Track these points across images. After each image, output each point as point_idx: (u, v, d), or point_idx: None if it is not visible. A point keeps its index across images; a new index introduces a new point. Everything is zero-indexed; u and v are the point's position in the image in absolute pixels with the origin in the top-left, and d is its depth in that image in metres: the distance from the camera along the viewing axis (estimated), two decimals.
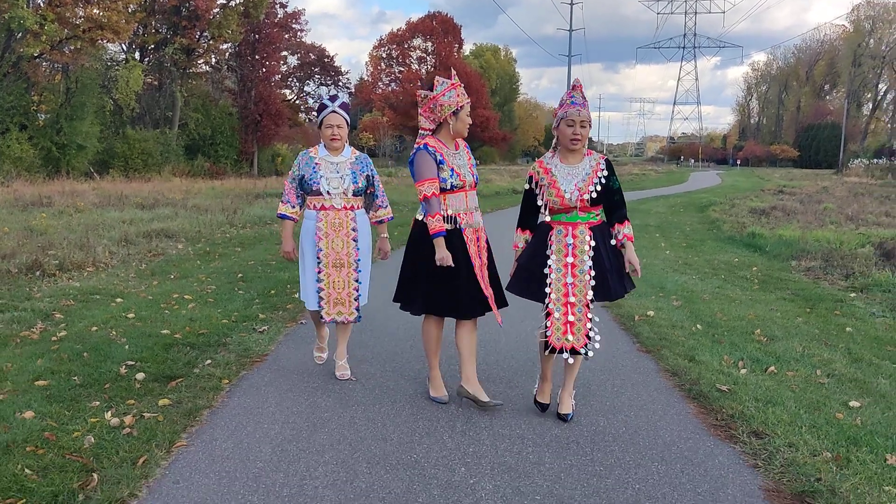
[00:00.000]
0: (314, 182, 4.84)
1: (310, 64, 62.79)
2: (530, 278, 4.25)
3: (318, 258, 4.87)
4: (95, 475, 3.39)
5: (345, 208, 4.89)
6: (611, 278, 4.20)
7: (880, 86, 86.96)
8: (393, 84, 68.70)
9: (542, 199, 4.21)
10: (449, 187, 4.35)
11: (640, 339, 6.32)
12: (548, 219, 4.26)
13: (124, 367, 5.05)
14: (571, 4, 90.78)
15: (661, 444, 4.00)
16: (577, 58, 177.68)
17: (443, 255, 4.26)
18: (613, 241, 4.29)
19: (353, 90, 75.58)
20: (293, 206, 4.94)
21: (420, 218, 4.42)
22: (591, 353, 4.23)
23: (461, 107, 4.39)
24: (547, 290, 4.17)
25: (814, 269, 10.52)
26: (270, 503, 3.24)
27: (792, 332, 6.56)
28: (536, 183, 4.26)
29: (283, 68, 55.73)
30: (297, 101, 63.28)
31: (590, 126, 4.26)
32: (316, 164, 4.87)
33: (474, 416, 4.40)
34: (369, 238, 5.04)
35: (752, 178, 52.26)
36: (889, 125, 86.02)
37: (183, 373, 5.00)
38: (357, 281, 4.92)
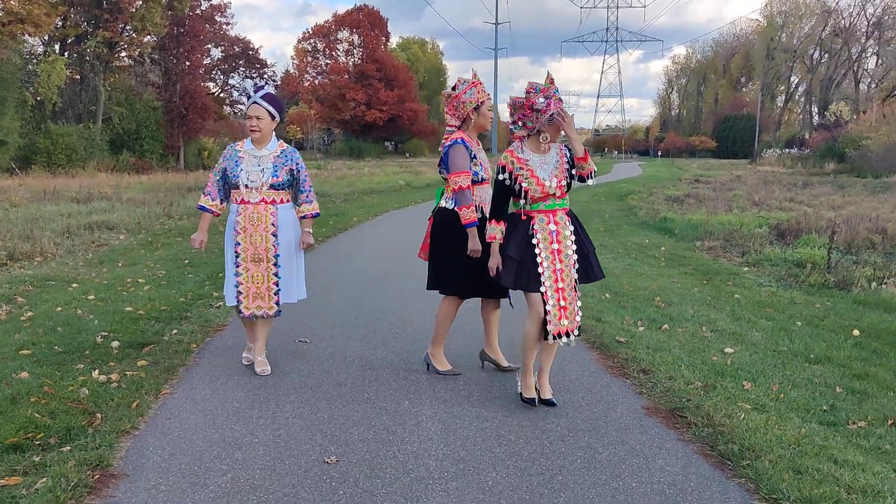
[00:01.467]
0: (235, 175, 4.79)
1: (234, 56, 62.22)
2: (522, 270, 4.28)
3: (237, 252, 4.83)
4: (98, 415, 4.04)
5: (263, 202, 4.81)
6: (592, 260, 4.43)
7: (792, 78, 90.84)
8: (320, 77, 68.66)
9: (522, 189, 4.25)
10: (479, 180, 4.74)
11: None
12: (527, 208, 4.30)
13: (100, 336, 5.65)
14: None
15: (567, 381, 4.87)
16: (503, 51, 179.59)
17: (476, 247, 4.58)
18: None
19: (278, 83, 75.21)
20: (213, 199, 4.91)
21: (449, 207, 4.76)
22: (578, 334, 4.39)
23: (482, 102, 4.80)
24: (542, 279, 4.24)
25: (715, 248, 11.66)
26: (250, 430, 3.95)
27: (687, 299, 7.53)
28: (511, 173, 4.27)
29: (207, 61, 55.20)
30: (221, 95, 62.70)
31: None
32: (239, 157, 4.82)
33: (414, 365, 5.18)
34: (293, 232, 4.94)
35: (671, 169, 54.39)
36: (801, 116, 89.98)
37: (153, 340, 5.63)
38: (276, 276, 4.87)
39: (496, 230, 4.35)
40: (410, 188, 27.70)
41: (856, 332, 6.23)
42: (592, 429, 4.07)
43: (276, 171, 4.81)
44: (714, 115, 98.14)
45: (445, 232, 4.79)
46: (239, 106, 66.24)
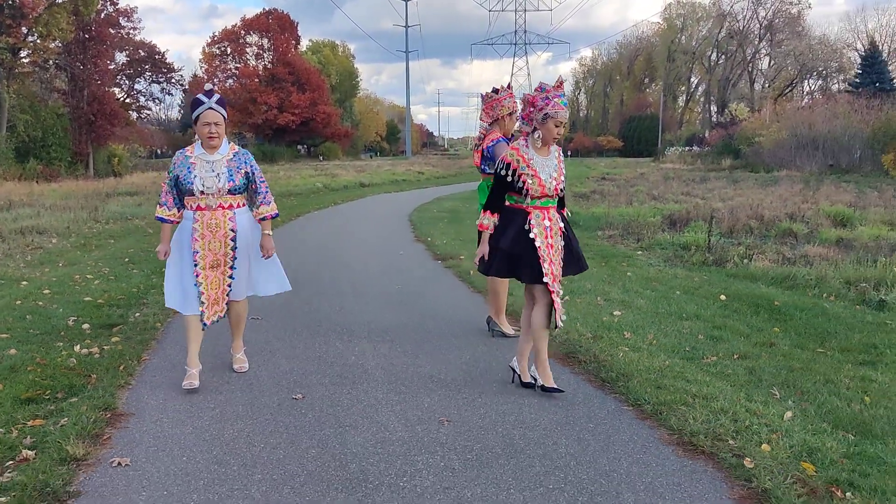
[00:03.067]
0: (189, 182, 4.68)
1: (140, 61, 61.18)
2: (518, 261, 4.51)
3: (195, 260, 4.71)
4: (93, 376, 4.80)
5: (221, 207, 4.73)
6: (579, 253, 4.76)
7: (692, 79, 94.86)
8: (230, 80, 68.06)
9: (524, 186, 4.46)
10: None
11: (473, 285, 8.24)
12: (524, 204, 4.52)
13: (70, 321, 6.33)
14: (406, 1, 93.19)
15: (477, 339, 5.88)
16: (414, 53, 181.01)
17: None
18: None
19: (186, 87, 74.20)
20: (170, 209, 4.79)
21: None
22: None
23: (514, 111, 5.75)
24: (544, 270, 4.45)
25: (614, 236, 12.94)
26: (225, 381, 4.80)
27: (586, 277, 8.61)
28: (515, 170, 4.48)
29: (112, 66, 54.22)
30: (128, 100, 61.56)
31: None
32: (191, 163, 4.71)
33: (355, 329, 6.08)
34: (252, 235, 4.92)
35: (580, 168, 56.44)
36: (701, 115, 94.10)
37: (120, 322, 6.35)
38: (231, 277, 4.83)
39: (490, 221, 4.59)
40: (328, 190, 28.33)
41: (723, 297, 7.44)
42: (505, 367, 5.08)
43: (231, 176, 4.73)
44: (620, 115, 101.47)
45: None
46: (146, 112, 65.31)
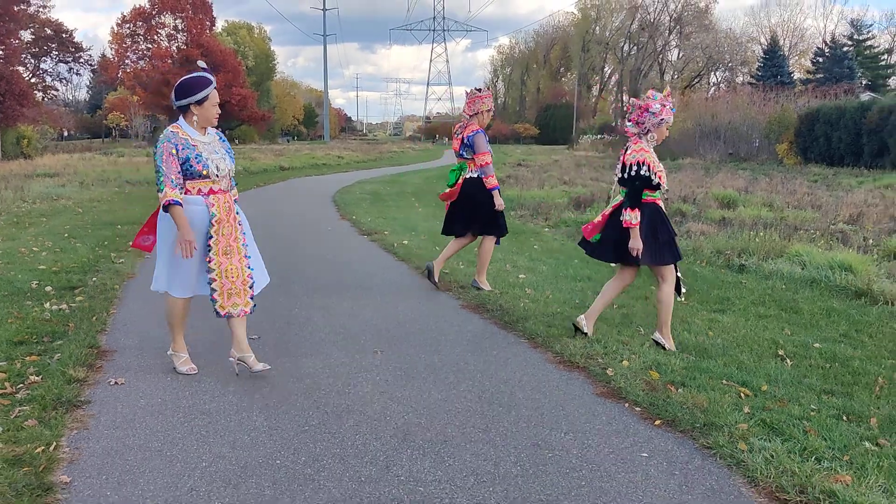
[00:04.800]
0: (203, 165, 4.40)
1: (46, 39, 59.39)
2: (671, 249, 5.17)
3: (209, 245, 4.47)
4: (71, 324, 5.56)
5: (224, 191, 4.58)
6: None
7: (606, 69, 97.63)
8: (142, 62, 66.52)
9: (659, 181, 5.04)
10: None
11: (397, 255, 9.23)
12: (656, 197, 5.14)
13: (33, 284, 6.99)
14: None
15: (412, 295, 6.86)
16: (332, 37, 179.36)
17: (501, 204, 6.83)
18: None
19: (95, 67, 72.19)
20: (182, 190, 4.37)
21: (474, 176, 6.87)
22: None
23: (491, 108, 7.06)
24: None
25: (524, 216, 14.10)
26: (192, 323, 5.63)
27: (498, 250, 9.71)
28: (650, 167, 4.98)
29: (16, 44, 52.50)
30: (33, 80, 59.62)
31: None
32: (192, 144, 4.41)
33: (296, 288, 6.96)
34: (244, 219, 4.83)
35: (497, 154, 57.77)
36: (613, 104, 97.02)
37: (80, 285, 7.06)
38: (249, 268, 4.63)
39: (638, 217, 5.03)
40: (248, 173, 28.66)
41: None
42: (433, 313, 6.09)
43: (232, 157, 4.66)
44: (537, 103, 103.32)
45: (474, 195, 6.89)
46: (53, 92, 63.29)
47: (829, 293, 7.12)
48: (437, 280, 7.20)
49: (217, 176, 4.48)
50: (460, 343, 5.38)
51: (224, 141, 4.69)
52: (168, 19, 66.65)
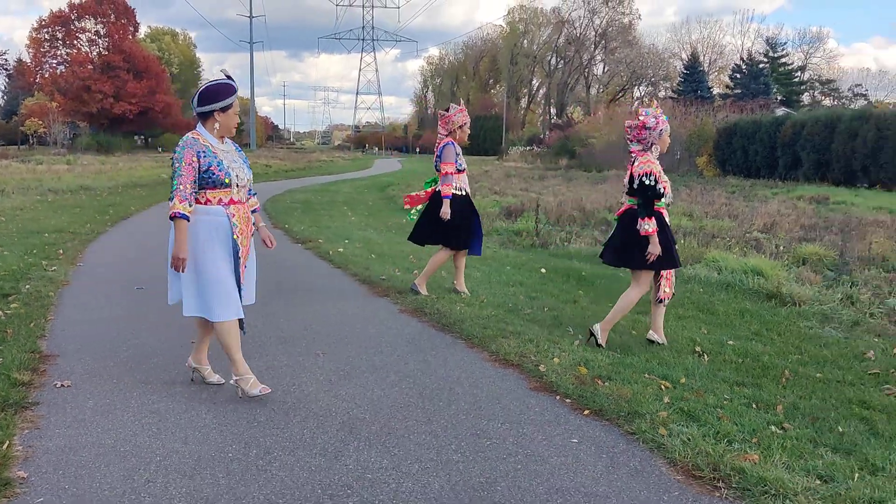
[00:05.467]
0: (226, 173, 4.27)
1: None
2: (669, 251, 5.47)
3: (238, 257, 4.39)
4: (9, 330, 5.56)
5: (245, 201, 4.50)
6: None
7: (534, 82, 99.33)
8: (61, 67, 64.60)
9: (664, 191, 5.38)
10: (461, 169, 7.12)
11: (333, 262, 9.39)
12: (661, 206, 5.47)
13: None
14: None
15: (352, 302, 7.05)
16: (259, 44, 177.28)
17: (446, 212, 6.94)
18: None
19: (11, 72, 69.88)
20: (190, 204, 4.18)
21: (440, 187, 7.03)
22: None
23: (465, 123, 7.19)
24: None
25: None
26: (135, 332, 5.70)
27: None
28: (656, 178, 5.34)
29: None
30: None
31: None
32: (213, 152, 4.27)
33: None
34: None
35: (428, 164, 58.29)
36: (541, 117, 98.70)
37: (13, 292, 7.00)
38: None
39: (654, 225, 5.32)
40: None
41: (543, 270, 8.97)
42: (372, 318, 6.29)
43: (249, 167, 4.56)
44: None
45: (439, 206, 7.05)
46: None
47: (742, 296, 7.61)
48: (462, 290, 7.36)
49: (238, 185, 4.37)
50: (400, 345, 5.60)
51: (240, 151, 4.56)
52: (89, 24, 65.00)
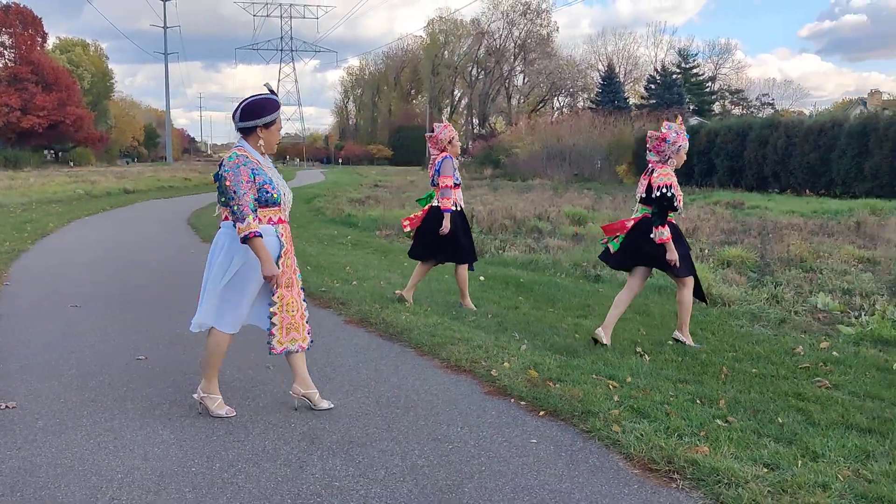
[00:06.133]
0: (278, 192, 4.19)
1: None
2: (685, 259, 5.76)
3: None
4: None
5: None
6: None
7: (456, 92, 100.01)
8: None
9: (678, 202, 5.64)
10: (457, 184, 7.12)
11: None
12: (671, 217, 5.75)
13: None
14: (164, 1, 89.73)
15: None
16: (174, 55, 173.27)
17: (447, 226, 6.94)
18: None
19: None
20: (257, 220, 4.07)
21: (437, 203, 7.06)
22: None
23: (452, 137, 7.19)
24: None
25: (391, 235, 14.45)
26: (74, 350, 5.55)
27: (370, 267, 10.01)
28: (673, 190, 5.59)
29: None
30: None
31: None
32: (264, 170, 4.16)
33: (173, 307, 6.95)
34: None
35: (352, 175, 58.10)
36: (464, 127, 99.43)
37: None
38: (304, 300, 4.46)
39: (668, 232, 5.60)
40: (90, 197, 27.35)
41: (482, 278, 9.10)
42: (318, 329, 6.21)
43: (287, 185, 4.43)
44: (389, 124, 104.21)
45: (436, 221, 7.04)
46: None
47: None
48: (409, 303, 7.34)
49: (285, 204, 4.28)
50: (349, 355, 5.62)
51: (273, 166, 4.38)
52: None
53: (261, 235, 3.99)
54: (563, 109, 79.61)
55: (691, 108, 60.45)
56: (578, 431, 4.07)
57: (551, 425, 4.17)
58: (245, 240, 3.97)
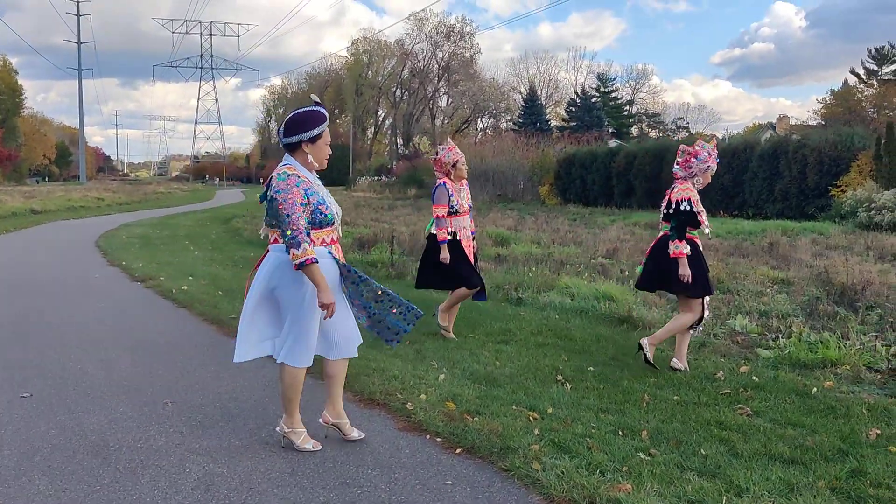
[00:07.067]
0: (332, 212, 3.96)
1: None
2: (703, 279, 5.72)
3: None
4: None
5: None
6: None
7: (380, 112, 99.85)
8: None
9: (700, 220, 5.61)
10: (454, 212, 6.67)
11: (177, 301, 8.82)
12: (695, 234, 5.73)
13: None
14: (79, 16, 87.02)
15: (189, 342, 6.59)
16: (88, 72, 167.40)
17: (445, 257, 6.62)
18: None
19: None
20: (311, 245, 3.79)
21: (433, 231, 6.73)
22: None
23: (457, 161, 6.75)
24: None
25: None
26: None
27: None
28: (694, 206, 5.57)
29: None
30: None
31: None
32: (314, 188, 3.92)
33: (69, 340, 6.45)
34: None
35: None
36: (388, 147, 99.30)
37: None
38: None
39: (685, 247, 5.58)
40: None
41: None
42: (223, 361, 5.89)
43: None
44: None
45: (434, 251, 6.80)
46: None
47: (596, 321, 7.80)
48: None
49: (338, 223, 4.05)
50: (256, 389, 5.27)
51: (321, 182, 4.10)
52: None
53: (317, 261, 3.74)
54: (487, 130, 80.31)
55: (610, 130, 61.82)
56: (497, 470, 3.83)
57: (468, 464, 3.92)
58: (301, 266, 3.71)
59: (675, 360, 5.92)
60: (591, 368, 5.83)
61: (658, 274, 5.84)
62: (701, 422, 4.58)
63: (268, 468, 3.84)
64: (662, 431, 4.38)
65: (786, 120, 53.56)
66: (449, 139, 7.45)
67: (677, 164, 5.81)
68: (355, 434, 4.23)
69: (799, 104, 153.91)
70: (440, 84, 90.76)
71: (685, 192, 5.64)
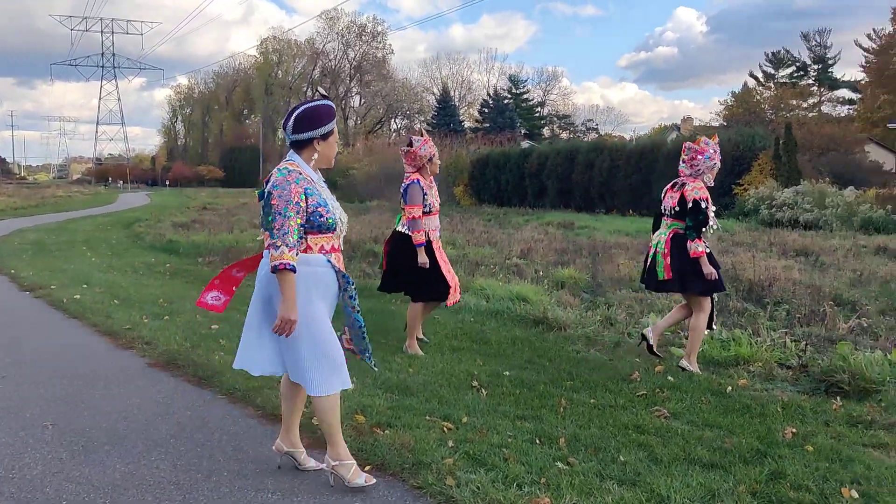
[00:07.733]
0: (332, 215, 3.54)
1: None
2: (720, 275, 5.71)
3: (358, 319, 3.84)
4: None
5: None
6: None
7: None
8: None
9: (709, 218, 5.56)
10: (429, 210, 6.12)
11: (68, 311, 8.24)
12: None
13: None
14: None
15: (77, 356, 6.11)
16: None
17: (424, 261, 6.05)
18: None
19: None
20: (297, 253, 3.38)
21: (403, 230, 6.11)
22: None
23: (433, 155, 6.18)
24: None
25: (214, 262, 13.48)
26: None
27: (186, 298, 9.11)
28: (708, 204, 5.54)
29: None
30: None
31: None
32: (317, 189, 3.54)
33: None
34: None
35: (180, 198, 55.34)
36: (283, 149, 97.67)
37: None
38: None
39: (704, 246, 5.53)
40: None
41: None
42: (115, 376, 5.46)
43: None
44: (221, 145, 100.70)
45: (401, 250, 6.20)
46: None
47: (512, 323, 7.65)
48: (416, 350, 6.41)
49: (340, 229, 3.60)
50: (149, 407, 4.87)
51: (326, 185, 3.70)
52: None
53: (294, 270, 3.33)
54: (401, 131, 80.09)
55: (523, 131, 62.53)
56: (408, 488, 3.59)
57: (378, 482, 3.66)
58: (275, 269, 3.31)
59: (683, 361, 5.83)
60: (507, 373, 5.65)
61: (679, 275, 5.69)
62: (619, 426, 4.45)
63: (156, 497, 3.49)
64: (580, 438, 4.22)
65: (690, 121, 55.26)
66: (423, 130, 6.69)
67: (683, 161, 5.74)
68: (311, 464, 3.85)
69: (701, 106, 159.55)
70: (352, 84, 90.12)
71: (700, 190, 5.58)
